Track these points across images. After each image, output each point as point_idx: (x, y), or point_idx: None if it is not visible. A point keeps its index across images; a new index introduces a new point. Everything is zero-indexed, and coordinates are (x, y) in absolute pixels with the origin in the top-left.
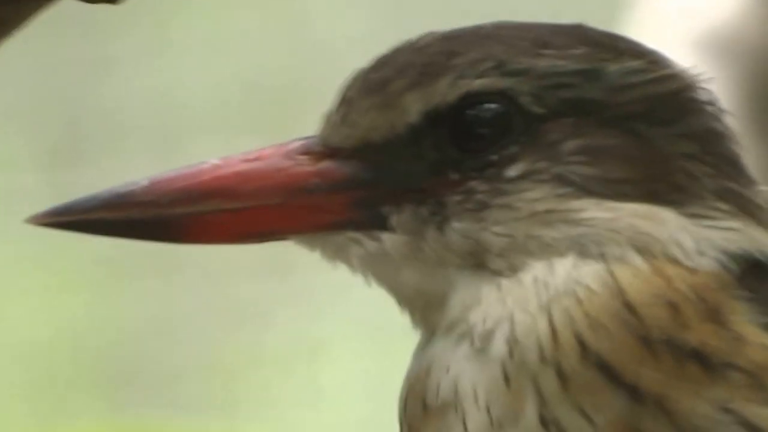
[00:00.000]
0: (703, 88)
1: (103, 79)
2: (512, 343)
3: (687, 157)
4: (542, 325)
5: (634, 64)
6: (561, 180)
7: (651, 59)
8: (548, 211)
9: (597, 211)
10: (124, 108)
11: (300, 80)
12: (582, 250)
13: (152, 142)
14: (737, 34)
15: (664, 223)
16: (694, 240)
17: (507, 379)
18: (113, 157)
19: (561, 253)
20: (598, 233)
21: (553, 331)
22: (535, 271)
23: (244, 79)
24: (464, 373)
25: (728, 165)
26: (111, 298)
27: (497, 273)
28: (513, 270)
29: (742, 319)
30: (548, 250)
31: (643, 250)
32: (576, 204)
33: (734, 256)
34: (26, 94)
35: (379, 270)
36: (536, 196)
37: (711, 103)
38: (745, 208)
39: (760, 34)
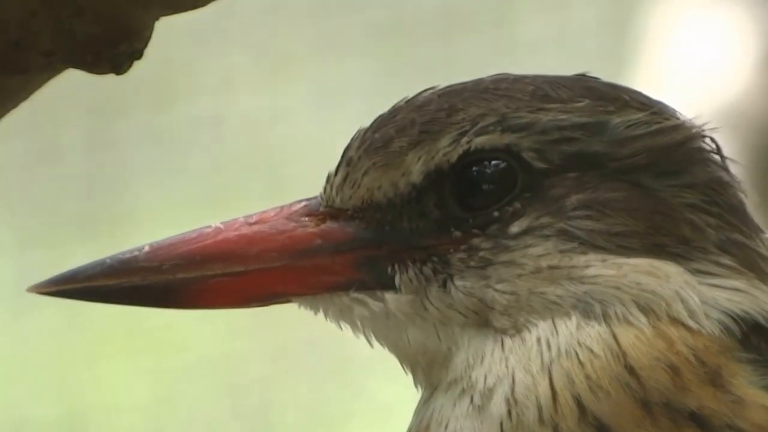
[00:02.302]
0: (708, 138)
1: (106, 159)
2: (512, 402)
3: (692, 208)
4: (543, 386)
5: (638, 115)
6: (565, 235)
7: (655, 110)
8: (552, 268)
9: (601, 268)
10: (127, 189)
11: (303, 163)
12: (586, 309)
13: (153, 224)
14: (740, 109)
15: (669, 279)
16: (699, 299)
17: None
18: (114, 239)
19: (565, 312)
20: (602, 291)
21: (553, 393)
22: (539, 330)
23: (245, 161)
24: (462, 430)
25: (733, 215)
26: (108, 377)
27: (501, 331)
28: (517, 329)
29: (743, 381)
30: (552, 308)
31: (647, 309)
32: (581, 260)
33: (737, 318)
34: (23, 175)
35: (383, 330)
36: (540, 252)
37: (715, 152)
38: (749, 261)
39: (763, 109)
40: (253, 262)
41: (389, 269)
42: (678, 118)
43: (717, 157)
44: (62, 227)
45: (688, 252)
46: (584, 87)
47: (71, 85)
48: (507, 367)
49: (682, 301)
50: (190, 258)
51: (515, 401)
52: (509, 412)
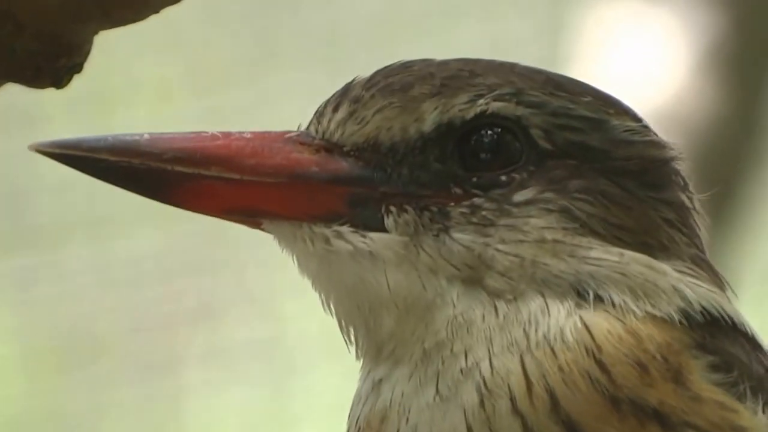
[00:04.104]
0: (682, 163)
1: (44, 167)
2: (484, 393)
3: (668, 223)
4: (517, 376)
5: (633, 124)
6: (567, 213)
7: (645, 125)
8: (556, 241)
9: (604, 253)
10: (66, 195)
11: None
12: (585, 290)
13: (95, 231)
14: (673, 113)
15: (665, 275)
16: (693, 294)
17: (470, 431)
18: (55, 244)
19: (562, 292)
20: (607, 275)
21: (528, 383)
22: (531, 307)
23: None
24: (425, 423)
25: (697, 239)
26: (46, 388)
27: (495, 294)
28: (515, 296)
29: (700, 377)
30: (551, 285)
31: (645, 300)
32: (583, 241)
33: (709, 315)
34: None
35: (352, 269)
36: (543, 224)
37: (686, 179)
38: (715, 278)
39: (697, 113)
40: (249, 172)
41: (380, 211)
42: (663, 139)
43: (686, 184)
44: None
45: (669, 257)
46: (587, 87)
47: (10, 94)
48: (488, 347)
49: (679, 294)
50: (190, 153)
51: (489, 392)
52: (482, 402)
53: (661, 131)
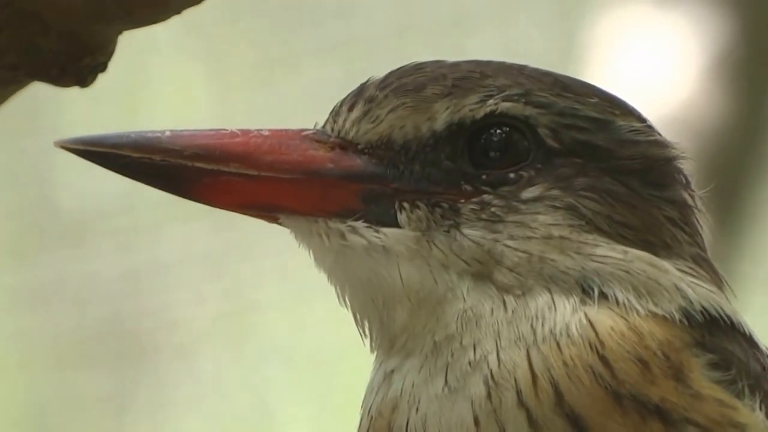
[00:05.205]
0: (685, 162)
1: (70, 168)
2: (491, 385)
3: (671, 222)
4: (523, 370)
5: (638, 124)
6: (573, 211)
7: (650, 125)
8: (563, 238)
9: (609, 250)
10: (89, 196)
11: None
12: (591, 286)
13: (117, 233)
14: (684, 117)
15: (667, 273)
16: (694, 293)
17: (477, 422)
18: (76, 248)
19: (568, 288)
20: (611, 273)
21: (533, 377)
22: (538, 302)
23: None
24: (434, 413)
25: (699, 237)
26: (72, 381)
27: (504, 289)
28: (524, 290)
29: (700, 375)
30: (558, 280)
31: (648, 297)
32: (589, 238)
33: (709, 315)
34: None
35: (367, 264)
36: (550, 221)
37: (689, 177)
38: (716, 277)
39: (706, 116)
40: (267, 169)
41: (393, 207)
42: (666, 138)
43: (689, 183)
44: (18, 239)
45: (671, 256)
46: (594, 89)
47: (35, 93)
48: (495, 340)
49: (681, 293)
50: (210, 150)
51: (495, 384)
52: (489, 394)
53: (670, 134)
